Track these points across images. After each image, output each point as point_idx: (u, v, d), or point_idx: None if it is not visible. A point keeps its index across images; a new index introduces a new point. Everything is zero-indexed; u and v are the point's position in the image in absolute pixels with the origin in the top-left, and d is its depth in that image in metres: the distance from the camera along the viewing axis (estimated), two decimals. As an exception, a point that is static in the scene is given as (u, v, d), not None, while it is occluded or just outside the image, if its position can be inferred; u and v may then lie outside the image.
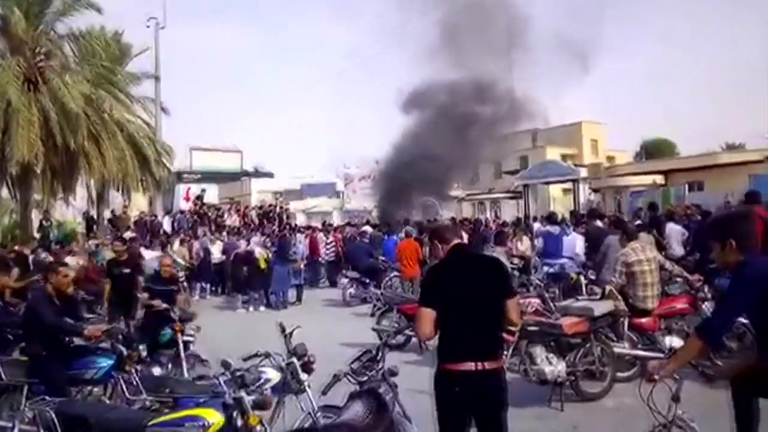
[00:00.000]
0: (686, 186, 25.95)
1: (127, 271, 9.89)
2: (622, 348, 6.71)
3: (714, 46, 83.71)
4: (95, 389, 5.88)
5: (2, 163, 20.54)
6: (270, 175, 40.60)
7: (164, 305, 7.55)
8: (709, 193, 24.62)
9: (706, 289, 7.22)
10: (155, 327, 7.35)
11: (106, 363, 5.83)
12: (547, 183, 31.27)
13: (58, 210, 28.65)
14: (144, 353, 5.90)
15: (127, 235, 19.36)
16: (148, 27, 29.65)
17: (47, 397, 4.75)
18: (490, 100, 28.31)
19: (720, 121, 79.31)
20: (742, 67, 79.79)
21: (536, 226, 16.77)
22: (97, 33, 25.76)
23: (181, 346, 7.02)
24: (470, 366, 3.56)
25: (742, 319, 4.53)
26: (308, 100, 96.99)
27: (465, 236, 14.00)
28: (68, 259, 11.69)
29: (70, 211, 29.36)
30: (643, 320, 6.88)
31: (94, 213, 25.67)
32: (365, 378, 4.35)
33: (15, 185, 22.41)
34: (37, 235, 21.93)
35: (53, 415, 4.19)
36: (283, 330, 5.22)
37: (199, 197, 25.33)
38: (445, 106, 28.10)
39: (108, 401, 5.62)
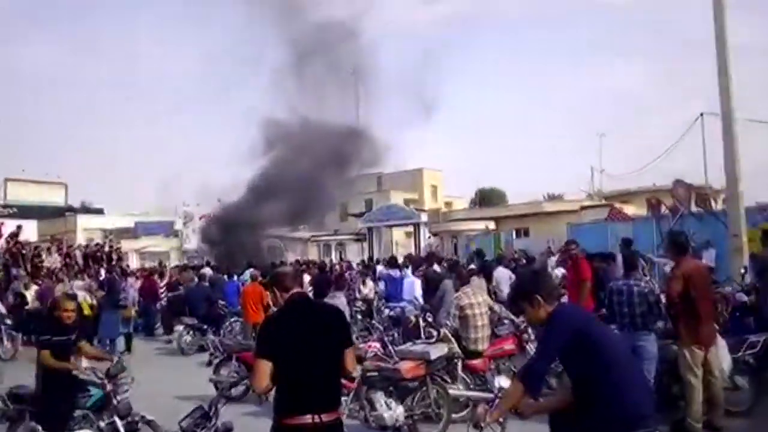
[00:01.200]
0: (514, 232, 28.15)
1: None
2: (457, 389, 6.95)
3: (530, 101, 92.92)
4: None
5: None
6: (99, 211, 37.71)
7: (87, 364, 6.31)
8: (534, 238, 26.92)
9: (529, 331, 7.76)
10: (64, 395, 5.76)
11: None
12: (391, 226, 32.31)
13: None
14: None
15: None
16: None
17: None
18: (338, 142, 28.90)
19: (542, 170, 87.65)
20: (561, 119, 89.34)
21: (379, 268, 17.16)
22: None
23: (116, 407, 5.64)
24: (307, 419, 3.45)
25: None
26: (145, 129, 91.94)
27: (308, 280, 13.99)
28: None
29: None
30: (476, 362, 7.21)
31: None
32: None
33: None
34: None
35: None
36: (104, 387, 4.76)
37: (14, 234, 22.72)
38: (293, 145, 28.23)
39: None
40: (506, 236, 27.60)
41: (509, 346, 7.57)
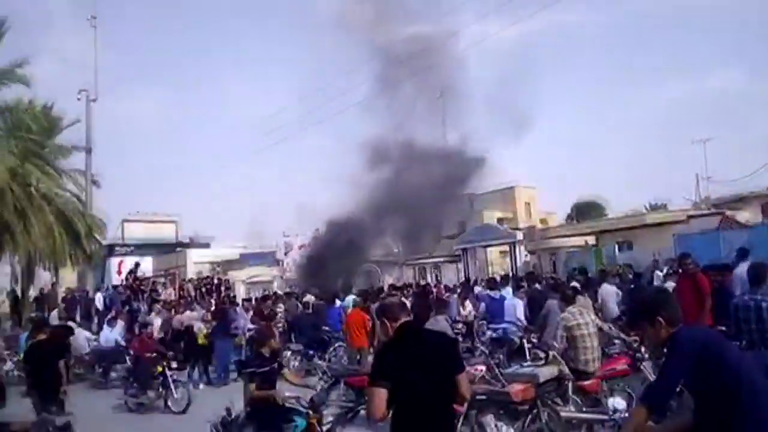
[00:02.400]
0: (616, 246, 27.07)
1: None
2: (569, 412, 6.80)
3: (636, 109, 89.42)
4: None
5: None
6: (206, 245, 39.78)
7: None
8: (638, 251, 25.74)
9: (643, 350, 7.47)
10: (269, 425, 5.89)
11: None
12: (486, 246, 31.96)
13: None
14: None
15: (54, 314, 18.50)
16: (78, 99, 29.24)
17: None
18: (437, 163, 29.05)
19: (642, 181, 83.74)
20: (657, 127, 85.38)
21: (477, 289, 17.03)
22: (25, 106, 25.23)
23: None
24: (422, 445, 3.54)
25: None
26: (246, 167, 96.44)
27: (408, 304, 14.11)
28: None
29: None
30: (587, 383, 7.03)
31: (19, 291, 24.33)
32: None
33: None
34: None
35: None
36: (229, 414, 5.05)
37: (132, 271, 24.48)
38: (390, 171, 28.64)
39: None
40: (608, 250, 26.59)
41: (622, 366, 7.32)
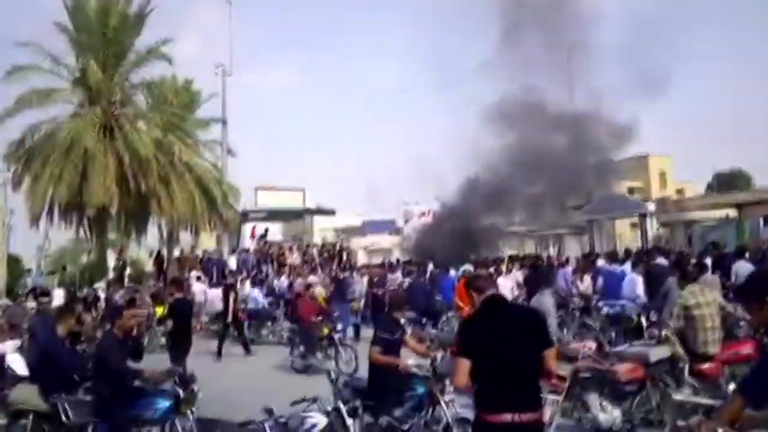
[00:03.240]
0: (762, 219, 24.70)
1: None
2: (682, 395, 6.42)
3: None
4: (153, 430, 6.09)
5: (80, 206, 21.82)
6: (331, 212, 41.22)
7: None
8: (788, 226, 23.36)
9: (773, 333, 6.86)
10: (390, 390, 6.00)
11: (164, 404, 6.08)
12: (613, 218, 30.39)
13: (131, 249, 30.07)
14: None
15: (194, 274, 20.14)
16: (216, 74, 31.07)
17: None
18: (560, 128, 27.79)
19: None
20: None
21: (600, 263, 16.32)
22: (168, 82, 27.31)
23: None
24: (507, 417, 3.54)
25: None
26: (367, 137, 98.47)
27: (521, 276, 13.86)
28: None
29: (142, 250, 30.76)
30: (705, 366, 6.59)
31: (164, 252, 26.74)
32: (408, 426, 4.39)
33: (92, 227, 23.65)
34: (112, 274, 23.11)
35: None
36: (329, 375, 5.32)
37: (262, 236, 26.01)
38: (514, 136, 27.75)
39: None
40: (752, 224, 24.33)
41: (747, 350, 6.77)
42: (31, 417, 6.35)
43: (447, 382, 5.45)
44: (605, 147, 28.51)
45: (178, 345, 9.45)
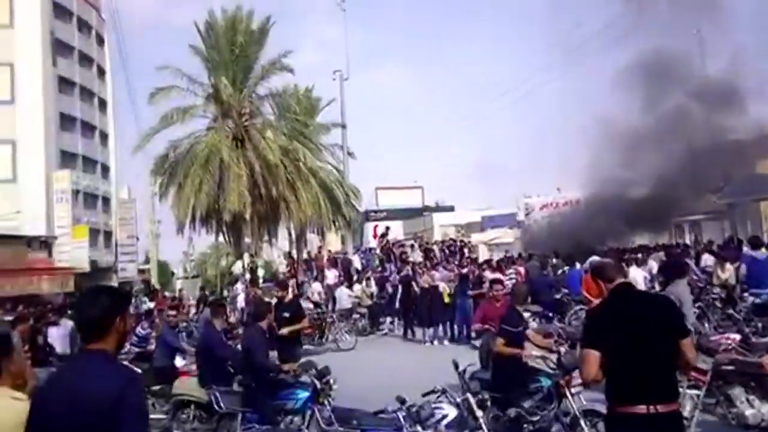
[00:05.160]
0: None
1: (286, 315, 9.36)
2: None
3: None
4: (295, 418, 6.55)
5: (218, 213, 23.62)
6: (450, 209, 41.32)
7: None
8: None
9: None
10: (514, 382, 6.05)
11: (304, 395, 6.54)
12: (758, 200, 27.87)
13: (264, 251, 31.95)
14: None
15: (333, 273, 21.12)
16: (334, 80, 32.18)
17: (257, 425, 5.49)
18: (692, 100, 25.73)
19: None
20: None
21: (745, 250, 15.14)
22: (291, 91, 28.72)
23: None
24: (642, 409, 3.48)
25: None
26: (484, 132, 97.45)
27: (655, 266, 13.21)
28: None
29: (274, 252, 32.60)
30: None
31: (294, 253, 28.18)
32: (537, 417, 4.43)
33: (228, 232, 25.49)
34: (248, 276, 24.74)
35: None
36: (456, 367, 5.47)
37: (383, 235, 26.64)
38: (639, 113, 26.11)
39: (306, 430, 6.25)
40: None
41: None
42: (192, 406, 7.05)
43: (573, 374, 5.35)
44: (745, 122, 26.08)
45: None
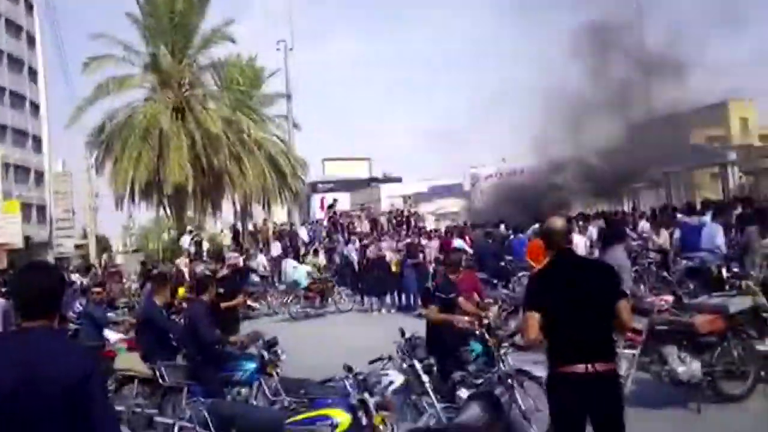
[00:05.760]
0: None
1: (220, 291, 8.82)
2: (766, 346, 6.26)
3: None
4: (242, 390, 6.50)
5: (159, 186, 22.95)
6: (398, 179, 41.44)
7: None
8: None
9: None
10: (448, 347, 6.20)
11: (250, 366, 6.49)
12: (690, 168, 29.04)
13: (208, 225, 31.35)
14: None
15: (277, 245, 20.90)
16: (278, 50, 31.48)
17: (202, 398, 5.42)
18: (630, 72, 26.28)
19: None
20: None
21: (679, 216, 15.79)
22: (233, 61, 27.94)
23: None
24: (581, 368, 3.59)
25: None
26: (432, 103, 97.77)
27: (595, 233, 13.62)
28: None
29: (218, 225, 31.99)
30: (791, 316, 6.37)
31: (239, 226, 27.75)
32: (481, 380, 4.53)
33: (170, 205, 24.83)
34: (192, 250, 24.22)
35: (207, 414, 4.76)
36: (403, 334, 5.52)
37: (331, 206, 26.52)
38: (580, 85, 26.56)
39: (253, 402, 6.21)
40: None
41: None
42: (135, 382, 6.89)
43: (501, 338, 5.63)
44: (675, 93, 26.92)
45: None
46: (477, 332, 5.97)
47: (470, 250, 15.68)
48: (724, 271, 8.77)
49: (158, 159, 22.42)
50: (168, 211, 25.85)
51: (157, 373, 6.63)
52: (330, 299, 16.08)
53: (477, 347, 6.08)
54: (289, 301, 15.72)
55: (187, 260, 21.03)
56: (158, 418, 5.78)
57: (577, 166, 26.85)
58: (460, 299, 6.54)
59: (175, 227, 27.07)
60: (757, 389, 6.12)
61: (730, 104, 34.63)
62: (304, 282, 16.07)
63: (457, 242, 17.32)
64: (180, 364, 7.02)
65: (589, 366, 3.58)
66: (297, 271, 16.66)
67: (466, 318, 6.21)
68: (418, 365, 4.98)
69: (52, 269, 2.62)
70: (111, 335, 8.89)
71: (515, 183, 28.61)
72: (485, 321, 6.04)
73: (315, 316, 15.39)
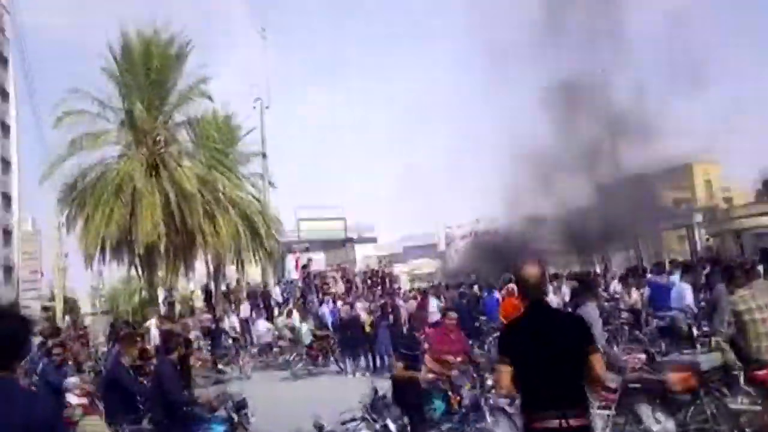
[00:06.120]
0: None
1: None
2: (738, 404, 6.27)
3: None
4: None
5: (130, 245, 22.57)
6: (373, 240, 41.49)
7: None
8: None
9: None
10: (412, 403, 6.21)
11: (219, 429, 6.28)
12: (659, 230, 29.72)
13: (180, 284, 30.78)
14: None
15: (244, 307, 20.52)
16: (254, 108, 31.86)
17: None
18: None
19: None
20: None
21: (649, 276, 16.03)
22: (209, 118, 28.16)
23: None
24: (554, 423, 3.55)
25: None
26: (407, 154, 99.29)
27: (568, 293, 13.71)
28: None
29: (191, 285, 31.47)
30: (760, 373, 6.40)
31: (212, 286, 27.30)
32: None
33: (141, 264, 24.37)
34: (163, 310, 23.71)
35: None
36: (375, 393, 5.43)
37: (305, 266, 26.36)
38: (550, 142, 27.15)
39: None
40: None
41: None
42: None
43: (462, 393, 5.84)
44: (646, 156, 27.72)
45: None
46: (442, 387, 5.98)
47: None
48: (694, 330, 8.89)
49: (131, 217, 22.14)
50: (139, 271, 25.35)
51: (122, 437, 6.39)
52: (332, 357, 15.97)
53: (439, 404, 6.07)
54: (291, 358, 15.66)
55: (157, 321, 20.55)
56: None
57: (551, 224, 27.31)
58: (426, 356, 6.54)
59: (146, 287, 26.51)
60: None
61: (695, 166, 35.84)
62: (308, 340, 15.96)
63: (434, 302, 17.30)
64: (146, 427, 6.77)
65: (563, 421, 3.54)
66: (271, 333, 16.47)
67: (431, 375, 6.21)
68: (391, 424, 4.88)
69: (15, 315, 2.52)
70: (72, 399, 8.51)
71: (491, 238, 28.90)
72: (451, 376, 6.06)
73: (317, 374, 15.19)
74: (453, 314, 7.68)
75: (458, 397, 5.40)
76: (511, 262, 24.55)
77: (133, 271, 25.83)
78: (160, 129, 24.50)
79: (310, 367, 15.72)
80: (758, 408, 6.12)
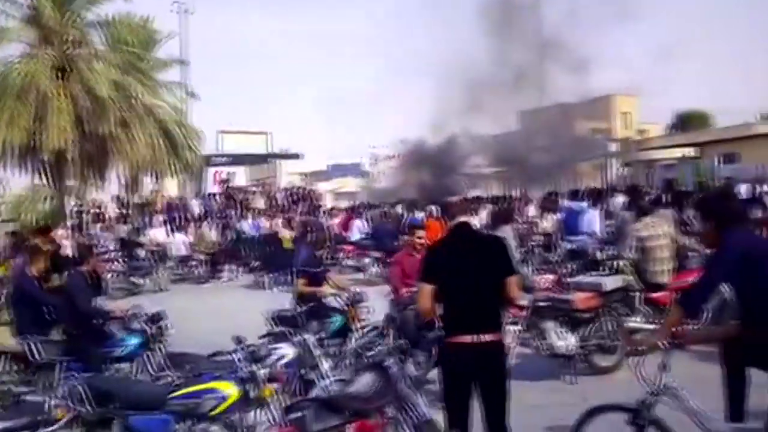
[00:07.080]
0: (716, 158, 25.46)
1: None
2: (634, 322, 6.77)
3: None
4: (124, 366, 6.19)
5: (36, 151, 21.18)
6: (297, 156, 40.83)
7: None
8: (745, 165, 24.12)
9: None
10: (314, 319, 6.28)
11: (133, 341, 6.19)
12: (576, 159, 30.81)
13: (92, 195, 29.44)
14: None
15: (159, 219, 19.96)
16: (174, 12, 29.85)
17: (77, 374, 5.10)
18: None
19: (758, 91, 76.45)
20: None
21: (565, 202, 16.72)
22: (125, 20, 26.16)
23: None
24: (467, 339, 3.71)
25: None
26: (335, 79, 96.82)
27: (485, 215, 14.14)
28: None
29: (103, 196, 30.11)
30: (657, 294, 6.92)
31: (126, 198, 26.28)
32: (373, 352, 4.59)
33: (50, 172, 23.01)
34: (72, 220, 22.70)
35: (83, 389, 4.46)
36: (295, 308, 5.48)
37: (226, 181, 25.78)
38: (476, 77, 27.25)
39: (136, 376, 5.93)
40: (709, 163, 25.09)
41: (695, 279, 7.11)
42: (2, 358, 6.38)
43: (359, 311, 6.20)
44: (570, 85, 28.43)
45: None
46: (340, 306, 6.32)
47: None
48: (599, 254, 9.42)
49: (37, 123, 20.64)
50: (46, 179, 23.93)
51: (29, 349, 6.18)
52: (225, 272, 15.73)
53: (337, 319, 6.36)
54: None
55: (67, 232, 19.71)
56: (28, 397, 5.38)
57: (477, 146, 27.75)
58: (331, 273, 6.84)
59: (56, 196, 25.14)
60: (625, 362, 6.62)
61: (614, 98, 36.99)
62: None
63: (357, 222, 17.45)
64: (55, 339, 6.57)
65: (475, 337, 3.71)
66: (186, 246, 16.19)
67: (330, 291, 6.48)
68: (310, 338, 4.95)
69: None
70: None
71: (419, 158, 29.10)
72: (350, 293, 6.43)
73: (205, 289, 15.10)
74: (420, 231, 7.10)
75: (354, 312, 5.74)
76: (436, 184, 25.11)
77: (38, 179, 24.38)
78: (69, 28, 22.54)
79: (229, 281, 15.67)
80: (653, 326, 6.62)
